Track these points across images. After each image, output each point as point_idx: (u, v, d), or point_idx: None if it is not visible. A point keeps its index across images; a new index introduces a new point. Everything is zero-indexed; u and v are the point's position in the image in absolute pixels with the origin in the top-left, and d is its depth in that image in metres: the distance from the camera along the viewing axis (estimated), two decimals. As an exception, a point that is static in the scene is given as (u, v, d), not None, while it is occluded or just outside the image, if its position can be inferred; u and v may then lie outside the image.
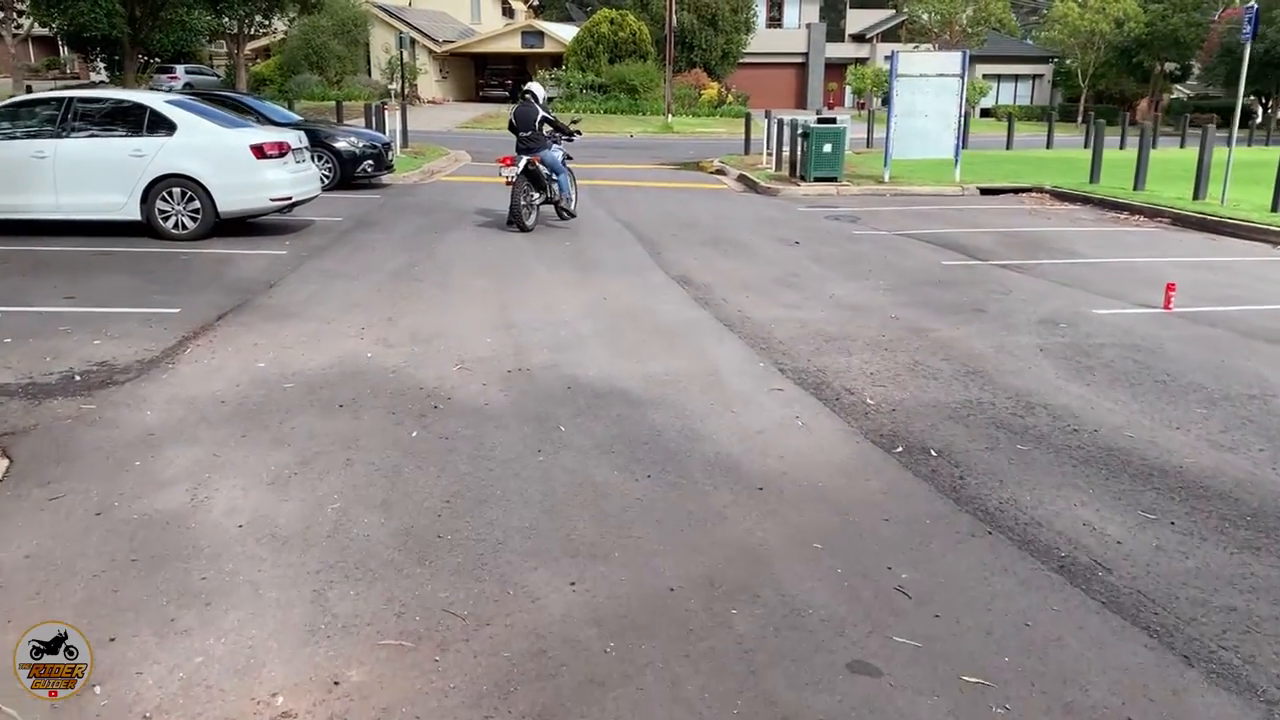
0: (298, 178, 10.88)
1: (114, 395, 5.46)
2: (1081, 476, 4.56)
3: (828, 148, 17.96)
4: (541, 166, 12.08)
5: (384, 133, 18.70)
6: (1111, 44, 49.31)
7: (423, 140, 26.05)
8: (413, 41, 48.76)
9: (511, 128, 12.21)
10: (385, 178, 16.92)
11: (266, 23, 39.98)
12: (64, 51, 54.42)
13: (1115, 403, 5.67)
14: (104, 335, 6.66)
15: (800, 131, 18.60)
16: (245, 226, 11.15)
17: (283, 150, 10.56)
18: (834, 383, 5.97)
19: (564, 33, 48.70)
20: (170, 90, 43.60)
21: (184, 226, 10.37)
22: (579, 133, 12.84)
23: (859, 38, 57.56)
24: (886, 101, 49.74)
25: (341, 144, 15.50)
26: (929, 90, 17.99)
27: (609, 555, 3.67)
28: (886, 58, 55.43)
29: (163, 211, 10.31)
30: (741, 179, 19.98)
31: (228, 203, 10.34)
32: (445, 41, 49.40)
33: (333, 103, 30.47)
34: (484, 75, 52.17)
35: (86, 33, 28.88)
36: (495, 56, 51.42)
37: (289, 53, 44.50)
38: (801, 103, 55.12)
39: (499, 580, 3.47)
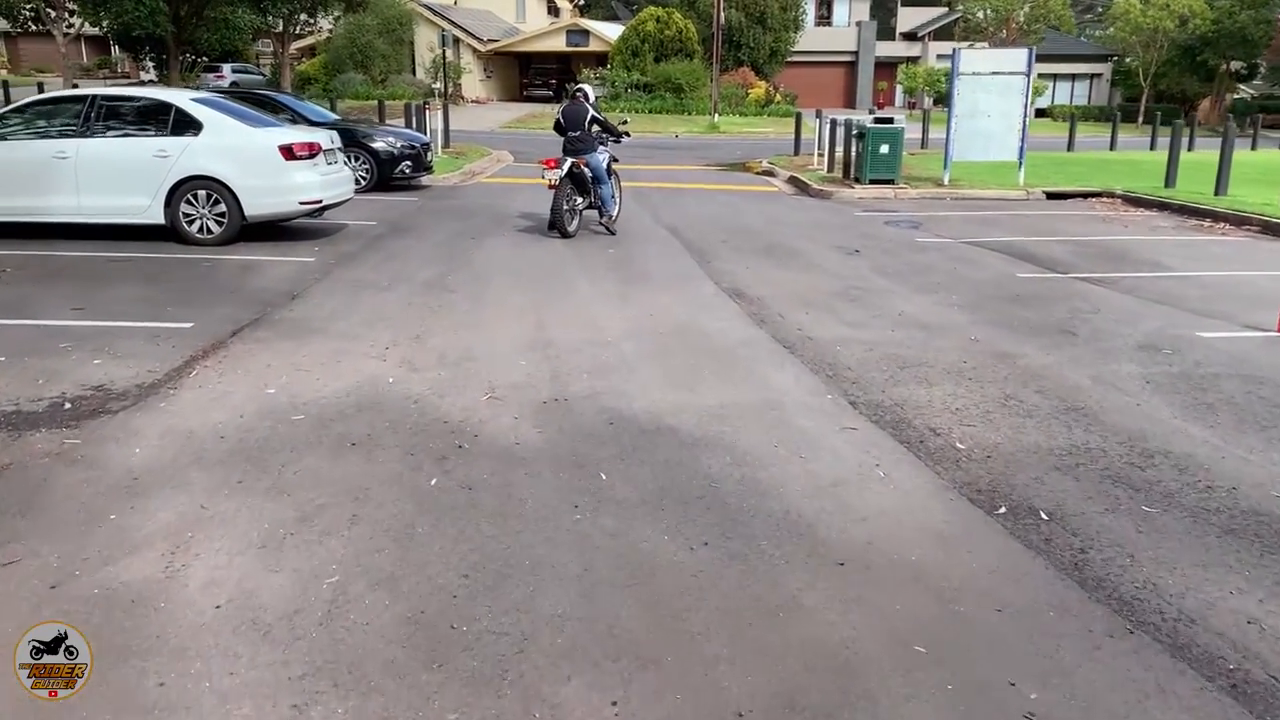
0: (329, 180, 10.32)
1: (103, 427, 4.87)
2: (1230, 552, 3.78)
3: (884, 149, 17.11)
4: (586, 170, 11.43)
5: (424, 133, 18.18)
6: (1175, 42, 47.61)
7: (465, 140, 25.57)
8: (456, 40, 48.48)
9: (558, 127, 11.57)
10: (424, 179, 16.39)
11: (312, 21, 39.88)
12: (115, 51, 54.99)
13: (1249, 451, 4.85)
14: (106, 353, 6.10)
15: (855, 132, 17.77)
16: (274, 231, 10.62)
17: (313, 151, 10.00)
18: (915, 420, 5.21)
19: (609, 31, 48.12)
20: (216, 89, 43.86)
21: (209, 231, 9.85)
22: (627, 134, 12.17)
23: (910, 36, 56.31)
24: (939, 101, 48.62)
25: (379, 144, 14.97)
26: (992, 89, 17.07)
27: (660, 659, 2.96)
28: (940, 57, 54.43)
29: (187, 215, 9.80)
30: (792, 181, 19.18)
31: (254, 206, 9.80)
32: (489, 40, 49.06)
33: (375, 102, 30.18)
34: (528, 75, 51.74)
35: (133, 31, 28.76)
36: (539, 56, 50.97)
37: (334, 51, 44.39)
38: (850, 102, 54.04)
39: (523, 695, 2.78)
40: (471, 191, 16.26)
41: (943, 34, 55.77)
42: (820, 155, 21.90)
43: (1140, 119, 46.59)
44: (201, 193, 9.72)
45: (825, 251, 10.80)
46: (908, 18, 56.76)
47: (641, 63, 42.39)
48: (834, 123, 20.13)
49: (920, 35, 55.69)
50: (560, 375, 5.88)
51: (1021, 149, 17.38)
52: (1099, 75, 56.94)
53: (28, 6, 36.16)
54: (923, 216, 14.04)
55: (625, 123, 12.78)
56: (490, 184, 17.79)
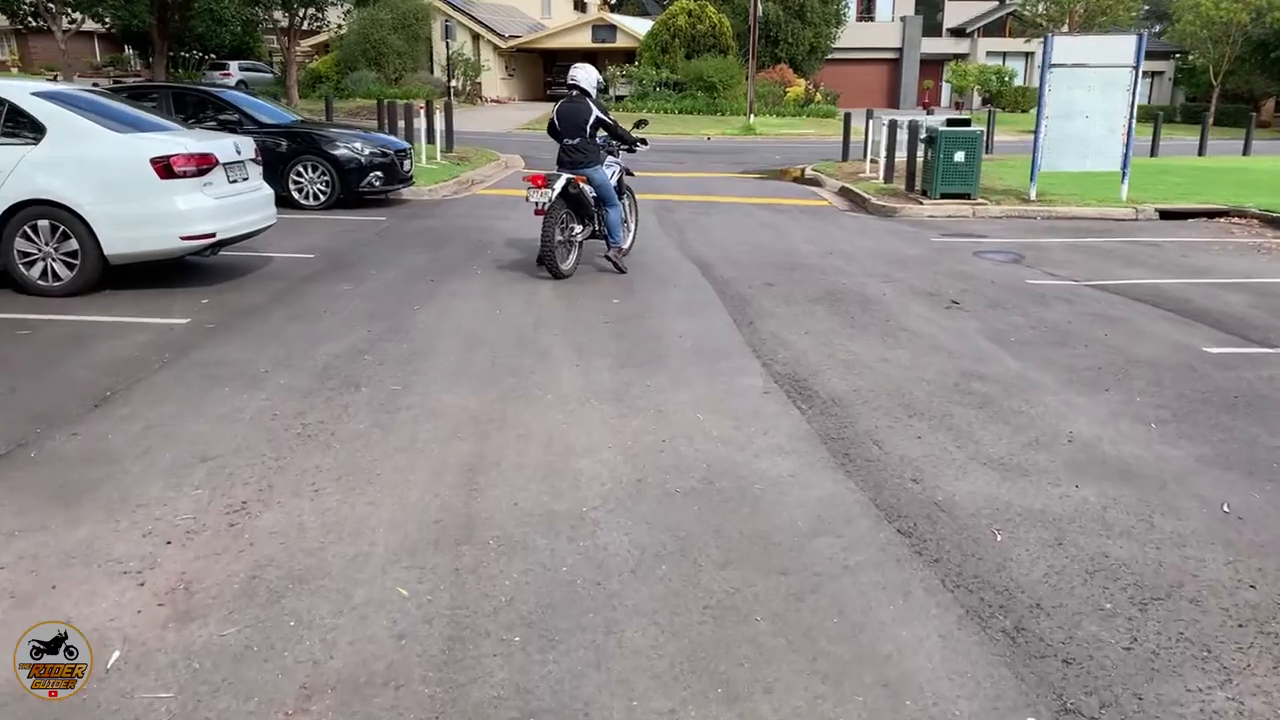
0: (231, 205, 7.53)
1: None
2: None
3: (959, 156, 14.09)
4: (587, 188, 8.58)
5: (408, 137, 15.42)
6: (1250, 37, 43.97)
7: (475, 143, 22.87)
8: (476, 37, 45.90)
9: (553, 131, 8.73)
10: (403, 191, 13.61)
11: (319, 16, 37.38)
12: (128, 49, 52.96)
13: None
14: None
15: (924, 136, 14.77)
16: (160, 272, 7.86)
17: (203, 165, 7.21)
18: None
19: (638, 26, 45.28)
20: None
21: (56, 276, 7.09)
22: (644, 141, 9.27)
23: (958, 32, 52.95)
24: (989, 101, 45.26)
25: (341, 151, 12.20)
26: (1092, 85, 14.00)
27: None
28: (989, 54, 51.09)
29: (24, 255, 7.05)
30: (845, 194, 16.21)
31: (117, 242, 7.02)
32: (511, 37, 46.37)
33: (388, 101, 27.49)
34: (552, 73, 48.99)
35: (110, 27, 26.34)
36: (564, 53, 48.17)
37: (346, 48, 41.88)
38: (894, 102, 50.84)
39: None
40: (460, 207, 13.45)
41: (993, 29, 52.43)
42: (873, 162, 18.94)
43: (1211, 119, 43.04)
44: (44, 223, 6.96)
45: (909, 301, 7.86)
46: (955, 12, 53.40)
47: (672, 59, 39.48)
48: (893, 125, 17.12)
49: (969, 31, 52.33)
50: (469, 619, 3.00)
51: (1126, 157, 14.30)
52: (1160, 73, 53.28)
53: (27, 2, 34.08)
54: (1018, 245, 11.03)
55: (642, 124, 9.85)
56: (487, 196, 14.98)
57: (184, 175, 7.06)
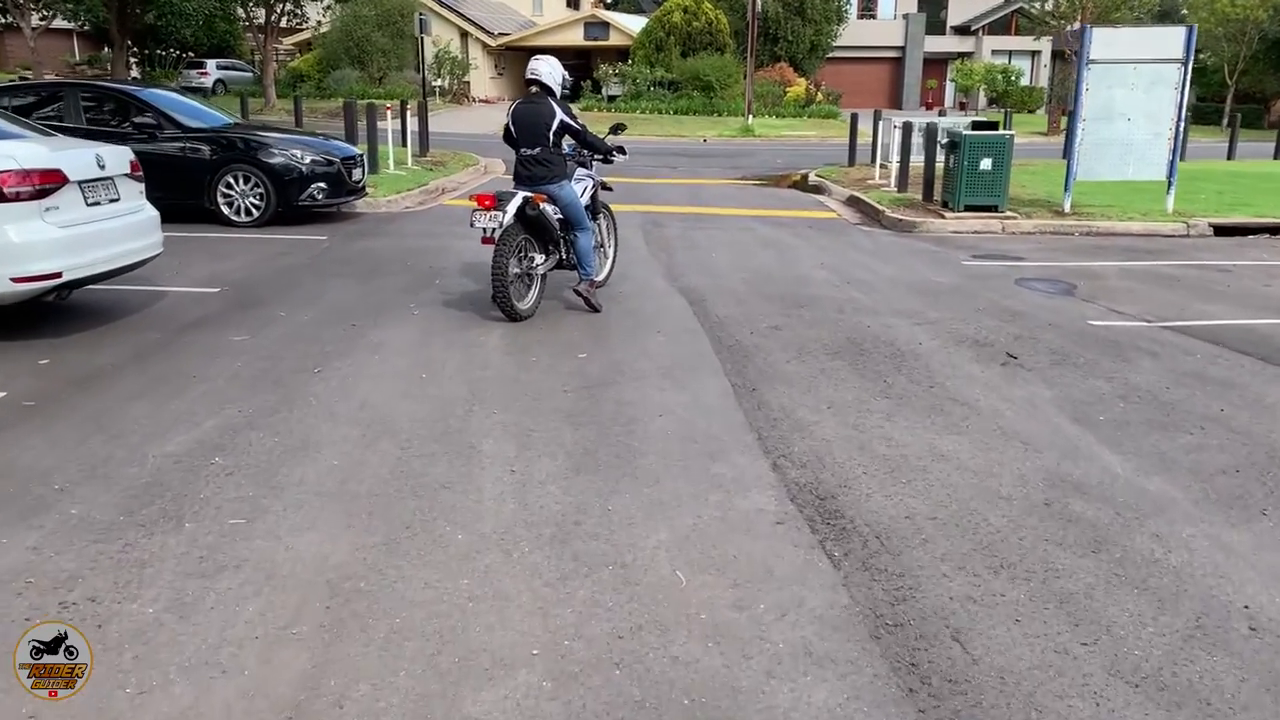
0: (87, 235, 5.86)
1: None
2: None
3: (986, 164, 12.44)
4: (550, 209, 6.92)
5: (380, 140, 13.76)
6: (1265, 35, 42.39)
7: (457, 145, 21.27)
8: (465, 34, 44.21)
9: (509, 138, 7.06)
10: (355, 203, 11.94)
11: (297, 11, 35.69)
12: (107, 48, 51.19)
13: None
14: None
15: (944, 140, 13.13)
16: (15, 313, 6.20)
17: (46, 185, 5.55)
18: None
19: (632, 24, 43.59)
20: (197, 88, 39.78)
21: None
22: (621, 150, 7.59)
23: (962, 30, 51.30)
24: (994, 101, 43.58)
25: (277, 159, 10.51)
26: (1136, 82, 12.37)
27: None
28: (994, 52, 49.40)
29: None
30: (854, 204, 14.56)
31: (-77, 286, 5.37)
32: (501, 34, 44.68)
33: (374, 100, 25.82)
34: (543, 71, 47.22)
35: (83, 24, 24.65)
36: (555, 51, 46.36)
37: (328, 46, 40.17)
38: (896, 101, 49.22)
39: None
40: (419, 222, 11.77)
41: (998, 27, 50.79)
42: (883, 167, 17.32)
43: (1225, 121, 41.46)
44: None
45: (953, 353, 6.21)
46: (959, 9, 51.74)
47: (667, 58, 37.80)
48: (908, 127, 15.46)
49: (974, 29, 50.68)
50: None
51: (1173, 165, 12.68)
52: (1172, 73, 51.54)
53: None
54: (1065, 270, 9.39)
55: (619, 128, 8.09)
56: (455, 208, 13.30)
57: (15, 199, 5.40)
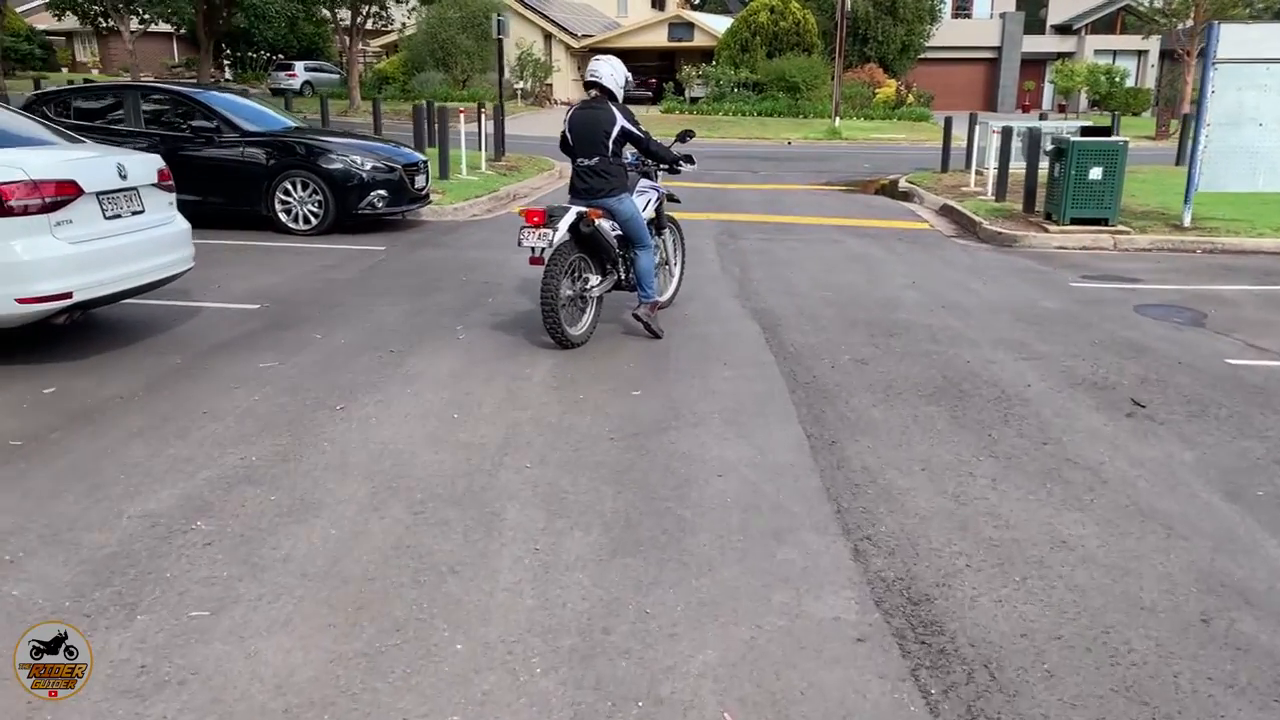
0: (103, 252, 5.39)
1: None
2: None
3: (1096, 173, 11.36)
4: (607, 224, 6.25)
5: (453, 144, 13.30)
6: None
7: (534, 149, 20.83)
8: (548, 36, 44.01)
9: (565, 147, 6.41)
10: (420, 211, 11.47)
11: (383, 13, 35.83)
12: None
13: None
14: None
15: (1049, 147, 12.07)
16: (30, 331, 5.77)
17: (59, 197, 5.09)
18: None
19: (717, 24, 42.82)
20: (285, 90, 40.32)
21: None
22: (689, 159, 6.88)
23: (1063, 29, 49.18)
24: (1096, 104, 41.44)
25: (336, 165, 10.07)
26: (1269, 84, 11.15)
27: None
28: (1098, 52, 47.12)
29: None
30: (948, 214, 13.57)
31: (-80, 307, 4.95)
32: (584, 36, 44.34)
33: (455, 103, 25.61)
34: (626, 73, 46.71)
35: (180, 27, 24.95)
36: (638, 52, 45.97)
37: (414, 48, 40.36)
38: (990, 104, 47.42)
39: None
40: (482, 231, 11.23)
41: (1102, 26, 48.55)
42: (979, 173, 16.27)
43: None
44: None
45: (1068, 398, 5.33)
46: (1060, 8, 49.62)
47: (752, 58, 36.91)
48: (1007, 132, 14.40)
49: (1076, 28, 48.52)
50: None
51: (1311, 174, 11.40)
52: None
53: (96, 6, 33.39)
54: (1191, 295, 8.34)
55: (687, 135, 7.21)
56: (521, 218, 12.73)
57: (21, 212, 4.95)
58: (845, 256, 10.08)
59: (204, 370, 5.51)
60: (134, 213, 5.72)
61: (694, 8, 55.31)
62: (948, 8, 46.47)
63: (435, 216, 11.96)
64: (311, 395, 5.12)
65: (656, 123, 32.20)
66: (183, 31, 41.05)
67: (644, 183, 6.76)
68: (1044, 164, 12.55)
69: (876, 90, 36.14)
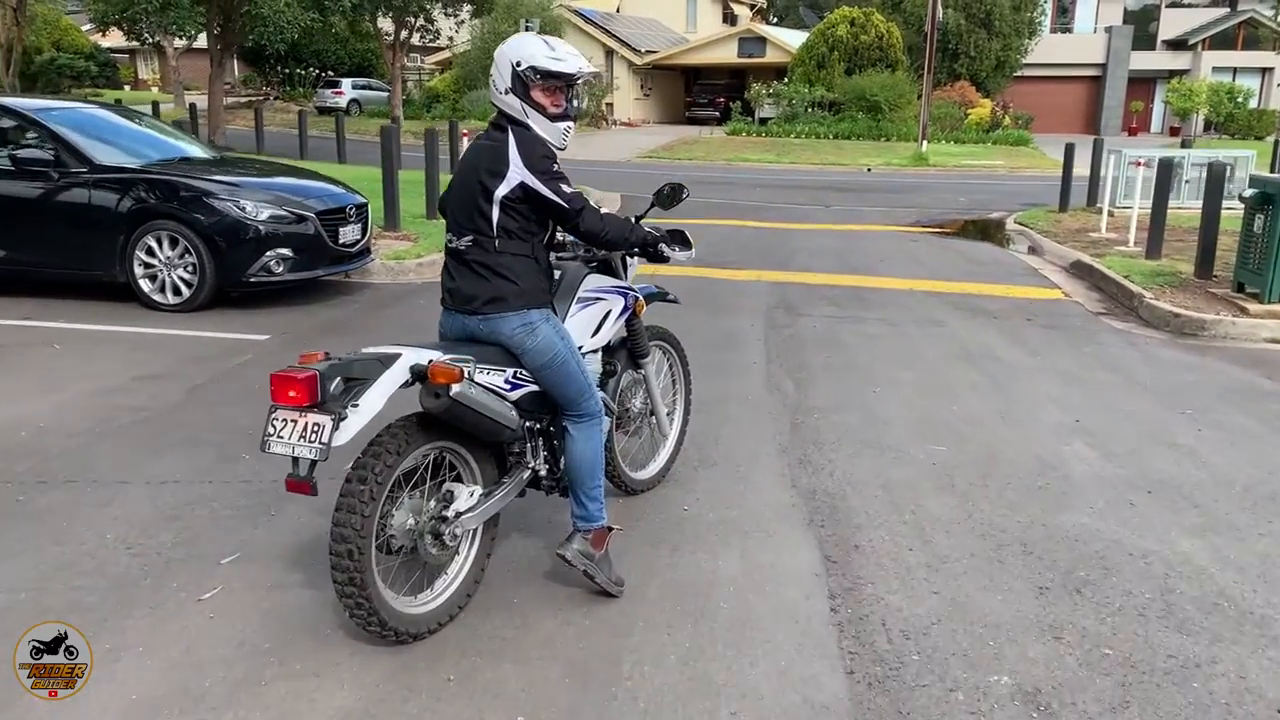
0: None
1: None
2: None
3: (1323, 230, 7.77)
4: (494, 383, 3.00)
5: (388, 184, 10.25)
6: None
7: (574, 176, 17.47)
8: (610, 52, 41.13)
9: (442, 208, 3.19)
10: (372, 267, 8.40)
11: (428, 27, 33.35)
12: (248, 66, 50.95)
13: None
14: None
15: (1245, 192, 8.45)
16: None
17: None
18: None
19: (791, 39, 39.45)
20: (331, 108, 38.01)
21: None
22: (680, 242, 3.59)
23: (1176, 44, 44.54)
24: (1213, 126, 36.85)
25: (215, 213, 7.03)
26: None
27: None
28: (1216, 69, 42.49)
29: None
30: (1083, 273, 10.08)
31: None
32: (648, 52, 41.35)
33: (479, 123, 22.71)
34: (692, 91, 43.66)
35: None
36: (706, 70, 42.85)
37: (466, 65, 37.82)
38: (1093, 126, 42.98)
39: None
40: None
41: (1220, 41, 43.83)
42: (1110, 212, 12.77)
43: None
44: None
45: None
46: (1173, 21, 45.03)
47: (828, 75, 33.45)
48: (1165, 166, 10.83)
49: (1191, 43, 43.87)
50: None
51: None
52: None
53: (154, 20, 31.60)
54: None
55: (673, 194, 3.78)
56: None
57: None
58: (956, 356, 6.68)
59: None
60: None
61: (769, 23, 51.99)
62: (1047, 21, 42.35)
63: (389, 276, 8.89)
64: None
65: (720, 148, 28.95)
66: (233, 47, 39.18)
67: (594, 281, 3.51)
68: (1233, 210, 9.03)
69: (969, 111, 32.35)
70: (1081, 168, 15.65)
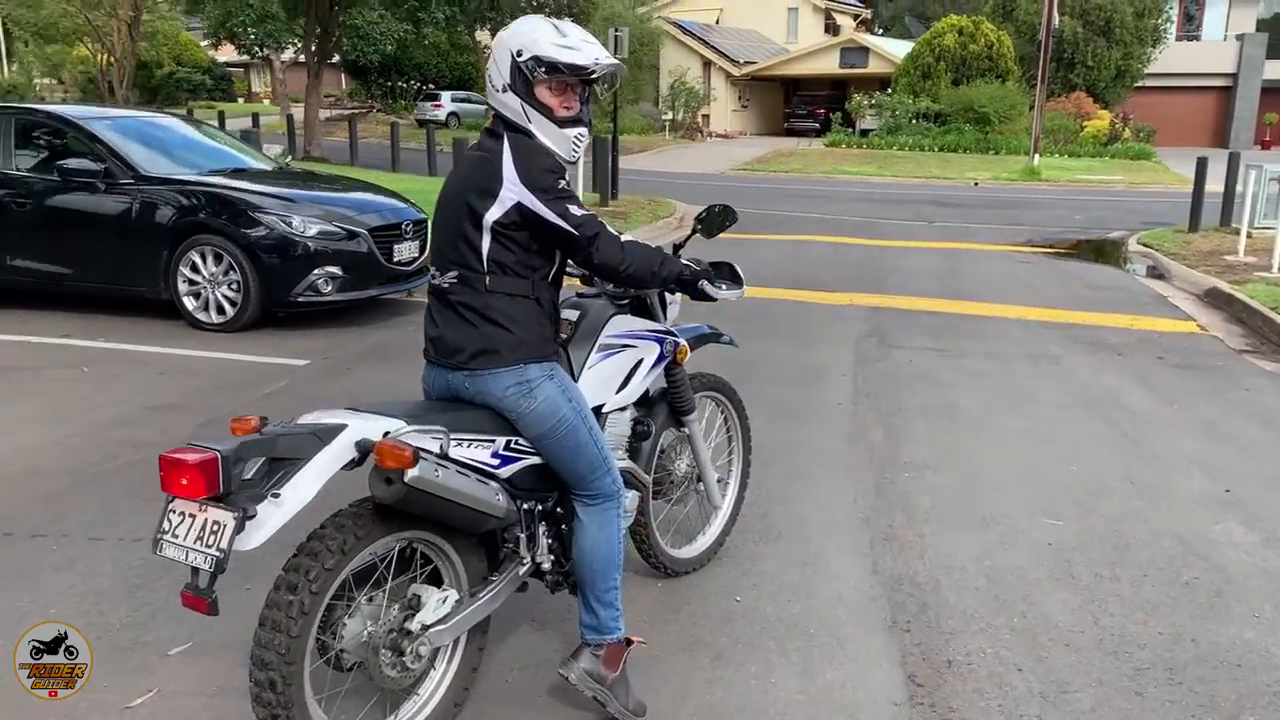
0: None
1: None
2: None
3: None
4: (478, 452, 2.35)
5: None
6: None
7: (663, 189, 17.48)
8: (707, 64, 40.54)
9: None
10: (411, 289, 7.90)
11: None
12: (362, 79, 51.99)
13: None
14: None
15: None
16: None
17: None
18: None
19: (895, 49, 38.17)
20: (431, 121, 38.34)
21: None
22: (731, 276, 2.87)
23: (1316, 52, 41.56)
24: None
25: (260, 227, 6.60)
26: None
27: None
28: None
29: None
30: (1221, 301, 8.94)
31: None
32: (747, 63, 40.61)
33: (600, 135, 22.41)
34: (791, 103, 42.70)
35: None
36: (807, 80, 41.82)
37: (563, 77, 37.71)
38: (1221, 139, 40.36)
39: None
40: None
41: (1368, 47, 40.72)
42: (1249, 234, 11.53)
43: None
44: None
45: None
46: (1313, 27, 42.03)
47: (934, 86, 32.14)
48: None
49: (1332, 51, 40.87)
50: None
51: None
52: None
53: (253, 32, 32.47)
54: None
55: (722, 218, 3.15)
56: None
57: None
58: (1075, 401, 5.77)
59: None
60: None
61: (874, 33, 50.67)
62: (1173, 28, 40.01)
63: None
64: None
65: (818, 160, 28.00)
66: (336, 61, 39.98)
67: (622, 324, 2.83)
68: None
69: (1085, 123, 30.61)
70: (1213, 184, 14.28)
